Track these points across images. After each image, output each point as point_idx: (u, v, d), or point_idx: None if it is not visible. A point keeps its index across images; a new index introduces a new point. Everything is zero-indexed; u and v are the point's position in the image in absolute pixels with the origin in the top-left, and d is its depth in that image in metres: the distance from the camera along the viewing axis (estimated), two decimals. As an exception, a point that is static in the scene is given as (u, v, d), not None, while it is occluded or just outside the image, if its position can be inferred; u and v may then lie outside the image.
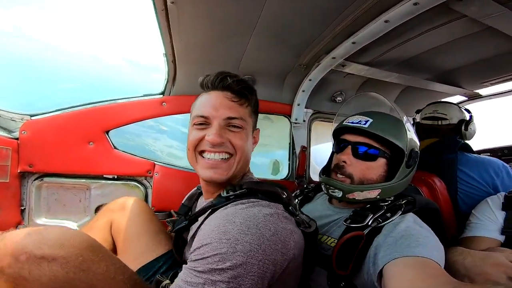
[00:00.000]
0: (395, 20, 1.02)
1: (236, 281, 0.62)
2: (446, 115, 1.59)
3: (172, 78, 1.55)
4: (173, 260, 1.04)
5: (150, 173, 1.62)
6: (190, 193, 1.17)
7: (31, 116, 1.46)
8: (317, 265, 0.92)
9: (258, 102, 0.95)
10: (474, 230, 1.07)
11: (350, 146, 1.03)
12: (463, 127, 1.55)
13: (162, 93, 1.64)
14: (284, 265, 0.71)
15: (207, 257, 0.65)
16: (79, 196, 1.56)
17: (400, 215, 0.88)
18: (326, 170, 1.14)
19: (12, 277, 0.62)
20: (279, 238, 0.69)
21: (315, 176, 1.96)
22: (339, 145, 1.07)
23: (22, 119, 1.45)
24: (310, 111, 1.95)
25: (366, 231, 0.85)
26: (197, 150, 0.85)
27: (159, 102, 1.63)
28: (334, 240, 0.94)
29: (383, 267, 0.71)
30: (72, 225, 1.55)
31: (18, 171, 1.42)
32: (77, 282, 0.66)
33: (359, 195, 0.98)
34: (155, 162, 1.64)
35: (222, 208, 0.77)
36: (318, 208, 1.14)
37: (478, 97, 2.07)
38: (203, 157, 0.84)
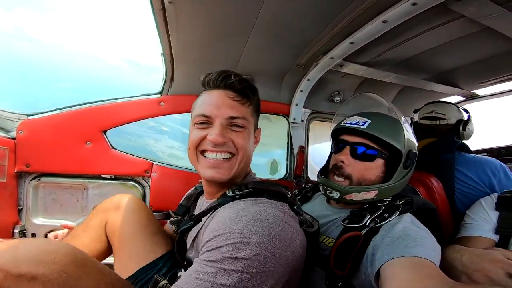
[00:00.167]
0: (393, 20, 1.02)
1: (249, 272, 0.61)
2: (444, 115, 1.59)
3: (170, 78, 1.55)
4: (172, 261, 1.02)
5: (148, 172, 1.61)
6: (188, 193, 1.16)
7: (28, 115, 1.46)
8: (315, 265, 0.92)
9: (260, 102, 0.94)
10: (469, 230, 1.08)
11: (348, 147, 1.03)
12: (461, 127, 1.55)
13: (160, 93, 1.63)
14: (292, 263, 0.70)
15: (220, 247, 0.64)
16: (76, 196, 1.56)
17: (397, 215, 0.88)
18: (324, 171, 1.14)
19: None
20: (287, 235, 0.69)
21: (313, 176, 1.97)
22: (338, 146, 1.08)
23: (19, 119, 1.44)
24: (308, 111, 1.95)
25: (363, 232, 0.85)
26: (198, 149, 0.84)
27: (157, 102, 1.62)
28: (332, 240, 0.94)
29: (381, 267, 0.71)
30: (70, 224, 1.55)
31: (15, 171, 1.42)
32: None
33: (356, 196, 0.98)
34: (153, 162, 1.64)
35: (230, 204, 0.77)
36: (316, 208, 1.14)
37: (476, 97, 2.07)
38: (205, 156, 0.83)
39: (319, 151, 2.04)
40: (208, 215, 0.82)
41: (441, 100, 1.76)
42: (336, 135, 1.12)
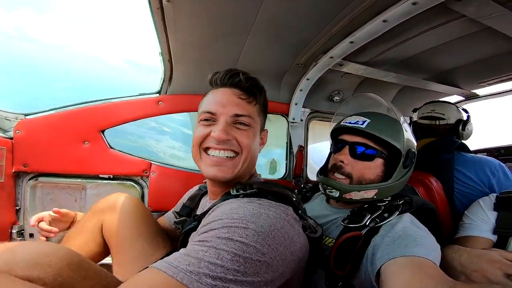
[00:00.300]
0: (394, 19, 1.02)
1: (243, 256, 0.57)
2: (444, 114, 1.58)
3: (169, 77, 1.54)
4: None
5: (146, 172, 1.61)
6: (192, 193, 1.15)
7: (26, 115, 1.45)
8: (315, 265, 0.92)
9: (267, 102, 0.93)
10: (468, 230, 1.09)
11: (348, 146, 1.03)
12: (460, 127, 1.55)
13: (159, 92, 1.62)
14: (291, 265, 0.67)
15: (215, 229, 0.62)
16: (74, 196, 1.55)
17: (397, 215, 0.88)
18: (324, 170, 1.14)
19: None
20: (288, 234, 0.67)
21: (312, 175, 1.96)
22: (337, 145, 1.08)
23: (16, 119, 1.43)
24: (308, 111, 1.95)
25: (363, 231, 0.86)
26: (202, 146, 0.83)
27: (155, 101, 1.61)
28: (332, 240, 0.94)
29: (381, 267, 0.71)
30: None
31: (13, 171, 1.41)
32: None
33: (356, 195, 0.98)
34: (152, 162, 1.63)
35: (231, 200, 0.75)
36: (316, 208, 1.14)
37: (475, 97, 2.07)
38: (208, 154, 0.82)
39: (319, 150, 2.03)
40: (209, 212, 0.81)
41: (440, 100, 1.75)
42: (335, 134, 1.12)
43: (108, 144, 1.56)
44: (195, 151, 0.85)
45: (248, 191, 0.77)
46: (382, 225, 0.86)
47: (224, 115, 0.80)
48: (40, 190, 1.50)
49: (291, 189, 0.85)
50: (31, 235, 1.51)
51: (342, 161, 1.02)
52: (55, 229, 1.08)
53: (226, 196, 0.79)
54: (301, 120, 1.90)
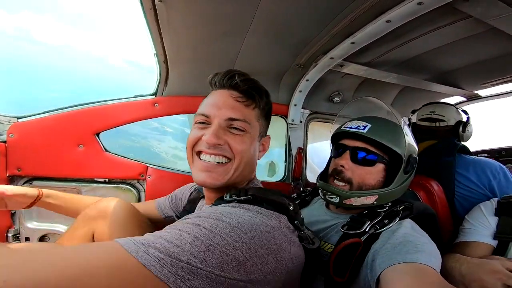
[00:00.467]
0: (397, 20, 0.98)
1: (205, 242, 0.53)
2: (443, 116, 1.57)
3: (165, 78, 1.50)
4: None
5: (142, 176, 1.58)
6: (191, 197, 1.13)
7: (18, 118, 1.41)
8: (314, 271, 0.91)
9: (271, 106, 0.89)
10: (468, 235, 1.09)
11: (348, 151, 1.02)
12: (460, 129, 1.53)
13: (154, 94, 1.59)
14: (276, 273, 0.62)
15: (189, 218, 0.60)
16: (69, 200, 1.52)
17: (397, 221, 0.88)
18: (324, 175, 1.12)
19: None
20: (275, 240, 0.63)
21: (312, 178, 1.94)
22: (337, 150, 1.06)
23: (9, 122, 1.39)
24: (307, 112, 1.92)
25: (363, 238, 0.85)
26: (194, 150, 0.79)
27: (151, 103, 1.58)
28: (331, 246, 0.93)
29: (381, 273, 0.70)
30: (64, 228, 1.51)
31: (7, 175, 1.38)
32: None
33: (356, 201, 0.97)
34: (148, 165, 1.60)
35: (220, 205, 0.72)
36: (315, 213, 1.13)
37: (478, 98, 2.05)
38: (200, 158, 0.78)
39: (319, 151, 2.01)
40: None
41: (439, 101, 1.73)
42: (336, 139, 1.11)
43: (104, 147, 1.53)
44: (188, 154, 0.82)
45: (241, 198, 0.73)
46: (382, 231, 0.85)
47: (217, 118, 0.76)
48: (34, 194, 1.47)
49: (291, 198, 0.81)
50: (27, 239, 1.49)
51: (342, 166, 1.01)
52: None
53: (219, 201, 0.76)
54: (301, 121, 1.87)
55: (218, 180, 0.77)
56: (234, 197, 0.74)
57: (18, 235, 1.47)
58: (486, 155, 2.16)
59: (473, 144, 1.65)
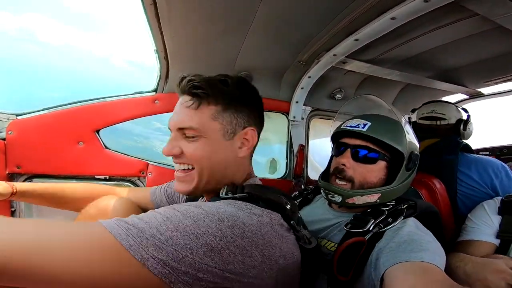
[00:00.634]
0: (402, 17, 0.97)
1: (174, 223, 0.53)
2: (444, 114, 1.56)
3: (165, 75, 1.49)
4: None
5: (143, 173, 1.57)
6: (189, 197, 1.11)
7: (17, 115, 1.40)
8: (317, 270, 0.90)
9: (249, 92, 0.80)
10: (471, 234, 1.08)
11: (349, 149, 1.01)
12: (461, 127, 1.53)
13: (155, 91, 1.58)
14: (264, 269, 0.60)
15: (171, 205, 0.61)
16: (70, 197, 1.52)
17: (401, 220, 0.87)
18: (325, 175, 1.12)
19: None
20: (263, 235, 0.61)
21: (313, 174, 1.94)
22: (338, 149, 1.05)
23: (8, 119, 1.38)
24: (309, 109, 1.90)
25: (367, 237, 0.84)
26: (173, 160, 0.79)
27: (152, 100, 1.57)
28: (334, 245, 0.93)
29: (385, 271, 0.70)
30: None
31: (6, 172, 1.37)
32: None
33: (359, 200, 0.96)
34: (148, 162, 1.59)
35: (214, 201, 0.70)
36: (318, 212, 1.12)
37: (480, 96, 2.03)
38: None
39: (320, 148, 2.01)
40: None
41: (439, 99, 1.73)
42: (336, 138, 1.10)
43: (104, 144, 1.52)
44: None
45: (237, 195, 0.72)
46: (386, 230, 0.85)
47: (173, 129, 0.75)
48: (34, 191, 1.47)
49: (289, 197, 0.78)
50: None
51: (344, 165, 1.00)
52: None
53: (215, 198, 0.75)
54: (302, 118, 1.86)
55: (187, 187, 0.76)
56: (230, 194, 0.73)
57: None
58: (488, 153, 2.16)
59: (474, 142, 1.65)
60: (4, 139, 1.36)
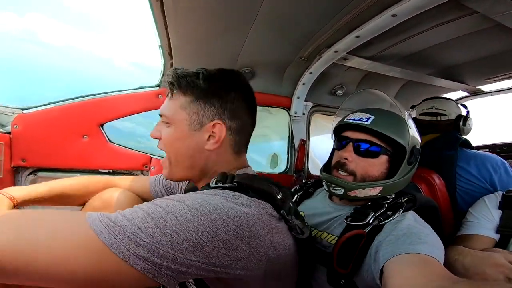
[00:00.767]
0: (403, 14, 0.98)
1: (155, 220, 0.53)
2: (444, 110, 1.58)
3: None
4: None
5: (146, 167, 1.59)
6: (188, 187, 1.10)
7: (23, 109, 1.41)
8: (317, 262, 0.92)
9: (210, 85, 0.78)
10: (471, 228, 1.09)
11: (351, 143, 1.02)
12: (461, 123, 1.54)
13: (158, 86, 1.59)
14: (252, 261, 0.61)
15: (157, 199, 0.62)
16: (74, 191, 1.54)
17: (401, 213, 0.88)
18: (327, 167, 1.13)
19: None
20: (249, 227, 0.60)
21: (313, 169, 1.96)
22: (340, 142, 1.06)
23: (13, 113, 1.39)
24: (310, 104, 1.92)
25: (367, 230, 0.85)
26: None
27: (155, 94, 1.58)
28: (335, 238, 0.94)
29: (384, 264, 0.71)
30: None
31: (12, 166, 1.38)
32: None
33: (360, 193, 0.97)
34: (152, 156, 1.61)
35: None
36: (318, 205, 1.13)
37: (481, 93, 2.04)
38: None
39: (321, 144, 2.02)
40: None
41: (439, 96, 1.74)
42: (338, 131, 1.11)
43: (108, 138, 1.53)
44: None
45: (227, 184, 0.71)
46: (385, 223, 0.86)
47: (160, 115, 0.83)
48: (39, 185, 1.49)
49: (281, 187, 0.78)
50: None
51: (346, 158, 1.01)
52: None
53: (204, 188, 0.74)
54: (303, 114, 1.88)
55: (165, 173, 0.83)
56: (219, 184, 0.72)
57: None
58: (488, 150, 2.16)
59: (474, 139, 1.66)
60: (9, 133, 1.37)
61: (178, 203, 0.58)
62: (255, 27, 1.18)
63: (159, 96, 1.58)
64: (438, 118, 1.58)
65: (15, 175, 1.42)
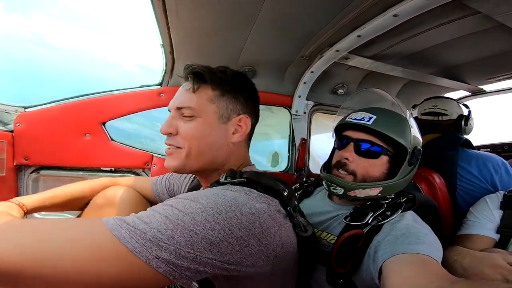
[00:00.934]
0: (405, 14, 0.98)
1: (174, 221, 0.54)
2: (446, 110, 1.57)
3: (170, 69, 1.50)
4: None
5: (148, 165, 1.60)
6: (192, 185, 1.12)
7: (25, 108, 1.42)
8: (316, 261, 0.92)
9: (243, 82, 0.85)
10: (471, 228, 1.09)
11: (352, 143, 1.01)
12: (463, 122, 1.54)
13: (160, 84, 1.60)
14: (261, 258, 0.62)
15: (169, 200, 0.62)
16: (76, 189, 1.55)
17: (400, 213, 0.88)
18: (327, 166, 1.12)
19: None
20: (261, 224, 0.62)
21: (314, 168, 1.96)
22: (341, 141, 1.06)
23: (16, 111, 1.40)
24: (311, 103, 1.92)
25: (365, 230, 0.85)
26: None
27: (157, 93, 1.59)
28: (334, 237, 0.94)
29: (383, 263, 0.71)
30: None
31: (14, 164, 1.40)
32: None
33: (360, 193, 0.97)
34: (153, 154, 1.62)
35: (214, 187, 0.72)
36: (318, 204, 1.13)
37: (482, 92, 2.04)
38: None
39: (322, 143, 2.02)
40: None
41: (440, 95, 1.74)
42: (339, 130, 1.10)
43: (110, 136, 1.54)
44: None
45: (236, 180, 0.73)
46: (384, 223, 0.86)
47: (172, 109, 0.80)
48: (42, 183, 1.49)
49: (287, 184, 0.80)
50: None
51: (346, 158, 1.00)
52: None
53: (214, 184, 0.76)
54: (304, 112, 1.88)
55: (174, 163, 0.79)
56: (229, 179, 0.74)
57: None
58: (489, 150, 2.16)
59: (475, 139, 1.66)
60: (12, 131, 1.38)
61: (193, 203, 0.59)
62: (257, 25, 1.18)
63: (161, 94, 1.59)
64: (440, 118, 1.58)
65: (17, 173, 1.43)
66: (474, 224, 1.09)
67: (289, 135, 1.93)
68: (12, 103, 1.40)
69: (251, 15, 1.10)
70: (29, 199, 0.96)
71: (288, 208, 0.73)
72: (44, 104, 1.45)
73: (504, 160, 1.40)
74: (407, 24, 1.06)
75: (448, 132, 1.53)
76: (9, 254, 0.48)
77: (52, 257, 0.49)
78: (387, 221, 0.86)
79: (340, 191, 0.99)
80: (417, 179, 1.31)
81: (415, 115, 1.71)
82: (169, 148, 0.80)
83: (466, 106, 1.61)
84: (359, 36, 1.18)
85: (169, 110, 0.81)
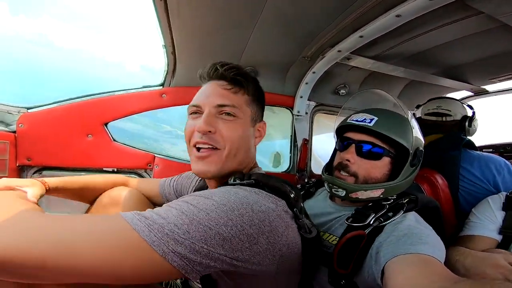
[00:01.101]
0: (408, 14, 0.98)
1: (189, 217, 0.56)
2: (450, 111, 1.56)
3: (172, 69, 1.50)
4: None
5: (150, 165, 1.60)
6: (198, 186, 1.12)
7: (28, 109, 1.43)
8: (318, 262, 0.92)
9: (261, 91, 0.89)
10: (473, 229, 1.08)
11: (354, 145, 1.01)
12: (466, 123, 1.53)
13: (162, 85, 1.60)
14: (268, 256, 0.63)
15: (183, 196, 0.64)
16: (79, 189, 1.55)
17: (402, 214, 0.88)
18: (329, 168, 1.12)
19: None
20: (270, 222, 0.63)
21: (316, 169, 1.96)
22: (342, 143, 1.05)
23: (18, 112, 1.41)
24: (313, 104, 1.92)
25: (367, 231, 0.85)
26: (191, 143, 0.79)
27: (159, 93, 1.59)
28: (336, 238, 0.94)
29: (385, 264, 0.71)
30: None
31: (17, 164, 1.40)
32: None
33: (362, 195, 0.97)
34: (155, 155, 1.62)
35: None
36: (320, 205, 1.13)
37: (485, 93, 2.03)
38: (196, 150, 0.79)
39: (323, 144, 2.02)
40: None
41: (445, 96, 1.73)
42: (340, 132, 1.10)
43: (112, 137, 1.55)
44: (187, 148, 0.83)
45: (245, 181, 0.74)
46: (386, 224, 0.86)
47: (208, 106, 0.77)
48: (44, 183, 1.50)
49: (293, 186, 0.80)
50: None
51: (348, 160, 1.00)
52: None
53: (223, 185, 0.77)
54: (306, 113, 1.88)
55: (212, 166, 0.77)
56: (238, 181, 0.75)
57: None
58: (491, 150, 2.15)
59: (478, 139, 1.65)
60: (14, 132, 1.39)
61: (207, 200, 0.61)
62: (259, 26, 1.18)
63: (163, 95, 1.59)
64: (444, 118, 1.57)
65: (20, 174, 1.43)
66: (476, 225, 1.09)
67: (291, 136, 1.93)
68: (14, 103, 1.40)
69: (253, 15, 1.10)
70: (51, 179, 0.98)
71: (295, 210, 0.75)
72: (46, 105, 1.45)
73: (506, 161, 1.40)
74: (410, 24, 1.06)
75: (451, 133, 1.52)
76: (31, 246, 0.49)
77: (73, 249, 0.50)
78: (389, 222, 0.86)
79: (342, 193, 0.99)
80: (419, 180, 1.31)
81: (418, 115, 1.70)
82: (202, 151, 0.78)
83: (471, 107, 1.60)
84: (361, 36, 1.17)
85: (197, 106, 0.79)
